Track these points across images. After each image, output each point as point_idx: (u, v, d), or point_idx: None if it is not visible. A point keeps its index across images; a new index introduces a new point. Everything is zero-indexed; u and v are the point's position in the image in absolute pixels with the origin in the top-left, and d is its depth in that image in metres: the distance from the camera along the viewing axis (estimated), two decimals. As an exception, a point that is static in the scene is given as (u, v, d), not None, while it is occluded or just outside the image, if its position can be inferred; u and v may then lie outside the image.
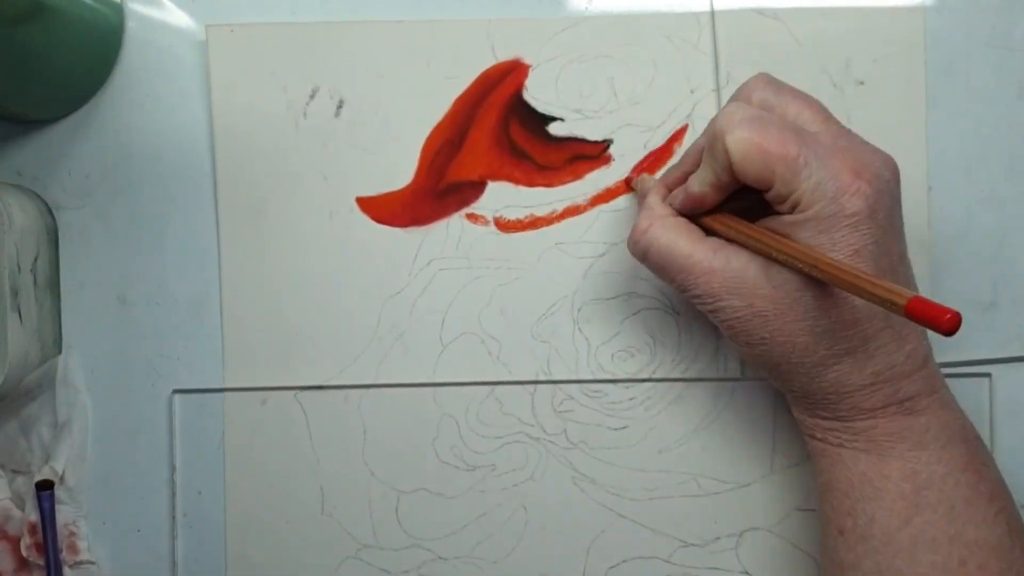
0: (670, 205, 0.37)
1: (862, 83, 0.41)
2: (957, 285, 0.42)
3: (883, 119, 0.42)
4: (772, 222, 0.34)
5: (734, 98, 0.36)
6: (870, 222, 0.32)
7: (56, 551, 0.42)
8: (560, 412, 0.43)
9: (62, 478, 0.43)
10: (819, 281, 0.33)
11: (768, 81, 0.36)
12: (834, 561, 0.36)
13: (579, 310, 0.42)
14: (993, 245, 0.42)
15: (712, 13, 0.42)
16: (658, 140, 0.42)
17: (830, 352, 0.34)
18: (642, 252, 0.37)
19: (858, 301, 0.33)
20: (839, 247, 0.32)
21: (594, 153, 0.42)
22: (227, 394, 0.43)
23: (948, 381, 0.42)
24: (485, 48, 0.42)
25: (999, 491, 0.35)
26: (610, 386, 0.42)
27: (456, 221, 0.42)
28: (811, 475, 0.42)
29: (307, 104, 0.43)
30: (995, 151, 0.42)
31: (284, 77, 0.42)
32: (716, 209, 0.36)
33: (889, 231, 0.34)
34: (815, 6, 0.42)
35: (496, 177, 0.42)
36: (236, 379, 0.43)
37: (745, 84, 0.36)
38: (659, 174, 0.41)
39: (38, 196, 0.43)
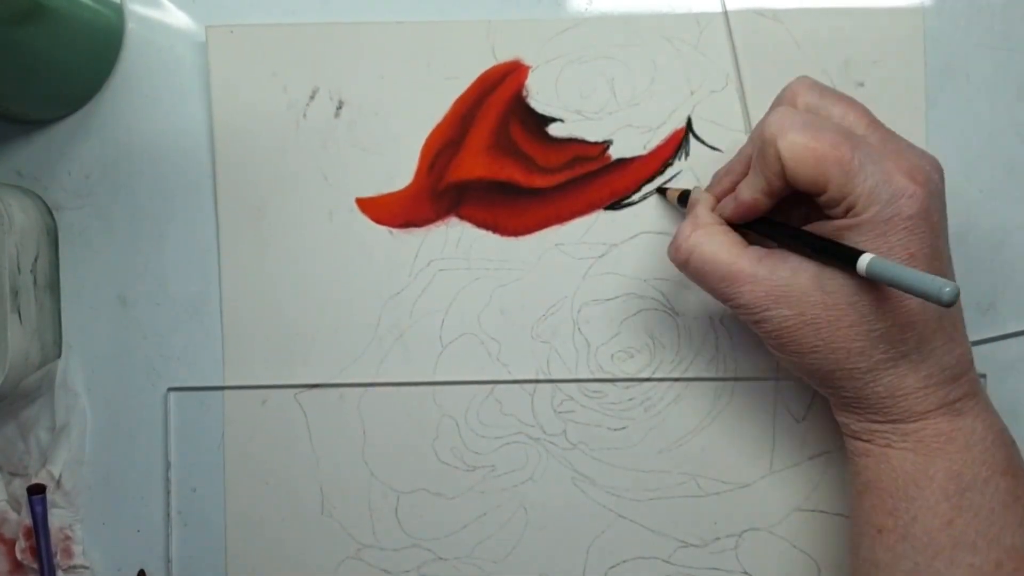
0: (719, 215, 0.37)
1: (862, 84, 0.41)
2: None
3: (883, 120, 0.41)
4: (824, 227, 0.34)
5: (778, 103, 0.36)
6: (925, 225, 0.32)
7: (50, 555, 0.42)
8: (560, 412, 0.43)
9: (59, 482, 0.42)
10: (873, 284, 0.33)
11: (812, 85, 0.35)
12: (868, 560, 0.35)
13: (579, 311, 0.42)
14: (992, 247, 0.42)
15: (725, 13, 0.42)
16: (658, 141, 0.42)
17: (886, 356, 0.33)
18: (684, 259, 0.36)
19: (913, 303, 0.33)
20: (895, 251, 0.32)
21: (594, 154, 0.42)
22: (227, 394, 0.43)
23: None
24: (485, 49, 0.42)
25: None
26: (610, 386, 0.43)
27: (456, 222, 0.42)
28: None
29: (307, 105, 0.43)
30: (994, 152, 0.42)
31: (284, 78, 0.42)
32: (766, 216, 0.36)
33: (941, 234, 0.34)
34: (814, 7, 0.42)
35: (496, 178, 0.42)
36: (236, 379, 0.43)
37: (787, 88, 0.36)
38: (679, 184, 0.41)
39: (38, 196, 0.43)
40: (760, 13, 0.42)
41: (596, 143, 0.42)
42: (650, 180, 0.42)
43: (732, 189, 0.37)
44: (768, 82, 0.42)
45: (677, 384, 0.42)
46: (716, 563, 0.42)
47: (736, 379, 0.42)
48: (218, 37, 0.42)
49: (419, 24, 0.42)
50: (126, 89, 0.43)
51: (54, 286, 0.43)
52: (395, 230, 0.43)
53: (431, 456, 0.43)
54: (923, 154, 0.34)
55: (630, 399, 0.42)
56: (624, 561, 0.43)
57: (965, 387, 0.35)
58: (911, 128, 0.42)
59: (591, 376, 0.42)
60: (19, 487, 0.43)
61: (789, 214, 0.37)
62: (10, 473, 0.43)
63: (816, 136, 0.32)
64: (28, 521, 0.42)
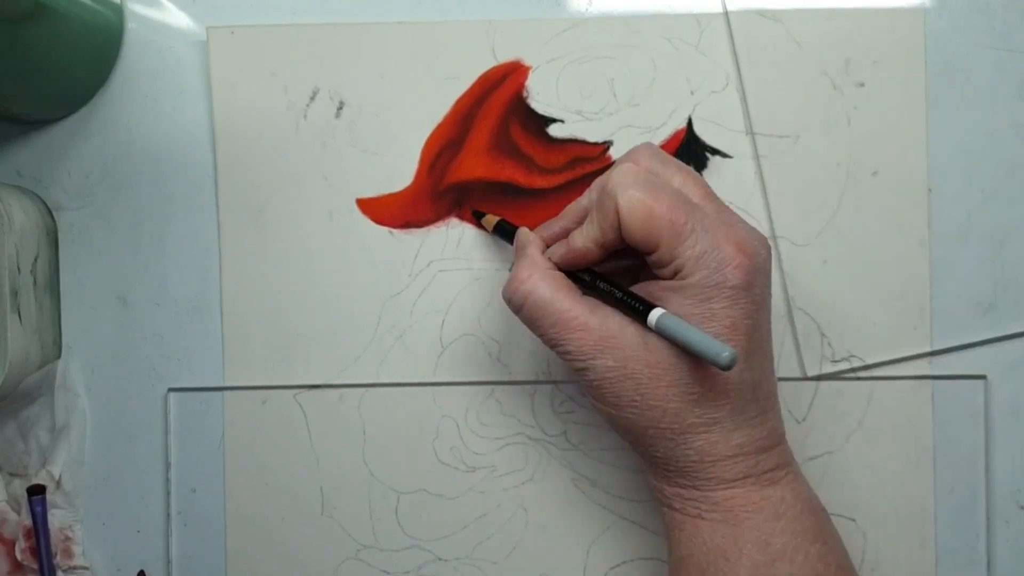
0: (549, 259, 0.37)
1: (862, 84, 0.41)
2: (956, 286, 0.42)
3: (883, 120, 0.42)
4: (651, 286, 0.35)
5: (623, 160, 0.37)
6: (747, 296, 0.33)
7: (49, 555, 0.42)
8: (560, 413, 0.43)
9: (59, 482, 0.42)
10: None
11: (655, 152, 0.36)
12: None
13: (579, 311, 0.42)
14: (993, 246, 0.42)
15: (726, 13, 0.42)
16: (658, 141, 0.42)
17: (700, 420, 0.34)
18: (519, 302, 0.36)
19: (733, 372, 0.33)
20: (718, 318, 0.33)
21: (594, 155, 0.42)
22: (227, 394, 0.43)
23: (943, 384, 0.42)
24: (485, 49, 0.42)
25: (845, 565, 0.36)
26: (610, 387, 0.42)
27: (456, 222, 0.42)
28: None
29: (307, 105, 0.43)
30: (995, 152, 0.42)
31: (284, 78, 0.42)
32: (593, 269, 0.37)
33: (762, 307, 0.34)
34: (815, 7, 0.42)
35: (496, 178, 0.42)
36: (236, 379, 0.43)
37: (632, 150, 0.37)
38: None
39: (38, 197, 0.43)
40: (761, 13, 0.42)
41: (596, 144, 0.42)
42: (650, 181, 0.42)
43: (562, 235, 0.37)
44: (769, 83, 0.42)
45: (677, 385, 0.42)
46: (716, 564, 0.42)
47: (736, 380, 0.42)
48: (218, 37, 0.42)
49: (419, 24, 0.42)
50: (126, 89, 0.43)
51: (54, 286, 0.43)
52: (395, 230, 0.43)
53: (431, 457, 0.43)
54: (752, 230, 0.35)
55: (630, 400, 0.42)
56: (624, 562, 0.43)
57: (776, 458, 0.35)
58: (911, 129, 0.42)
59: (591, 377, 0.42)
60: (19, 487, 0.43)
61: (621, 266, 0.37)
62: (10, 473, 0.43)
63: (654, 195, 0.33)
64: (28, 521, 0.42)
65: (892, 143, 0.42)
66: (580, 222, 0.37)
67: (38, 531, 0.42)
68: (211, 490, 0.43)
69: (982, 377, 0.42)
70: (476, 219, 0.42)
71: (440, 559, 0.43)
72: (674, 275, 0.34)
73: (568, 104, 0.42)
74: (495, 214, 0.42)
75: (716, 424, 0.34)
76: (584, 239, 0.35)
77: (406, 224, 0.43)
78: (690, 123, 0.42)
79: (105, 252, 0.43)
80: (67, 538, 0.43)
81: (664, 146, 0.42)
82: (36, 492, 0.42)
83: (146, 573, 0.44)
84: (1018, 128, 0.42)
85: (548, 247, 0.38)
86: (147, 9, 0.43)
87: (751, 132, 0.42)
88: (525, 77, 0.42)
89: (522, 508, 0.43)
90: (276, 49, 0.42)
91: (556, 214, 0.42)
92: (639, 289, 0.35)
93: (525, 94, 0.42)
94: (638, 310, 0.34)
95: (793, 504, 0.35)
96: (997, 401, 0.42)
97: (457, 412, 0.43)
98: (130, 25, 0.43)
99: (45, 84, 0.41)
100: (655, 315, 0.33)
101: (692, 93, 0.42)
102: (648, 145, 0.37)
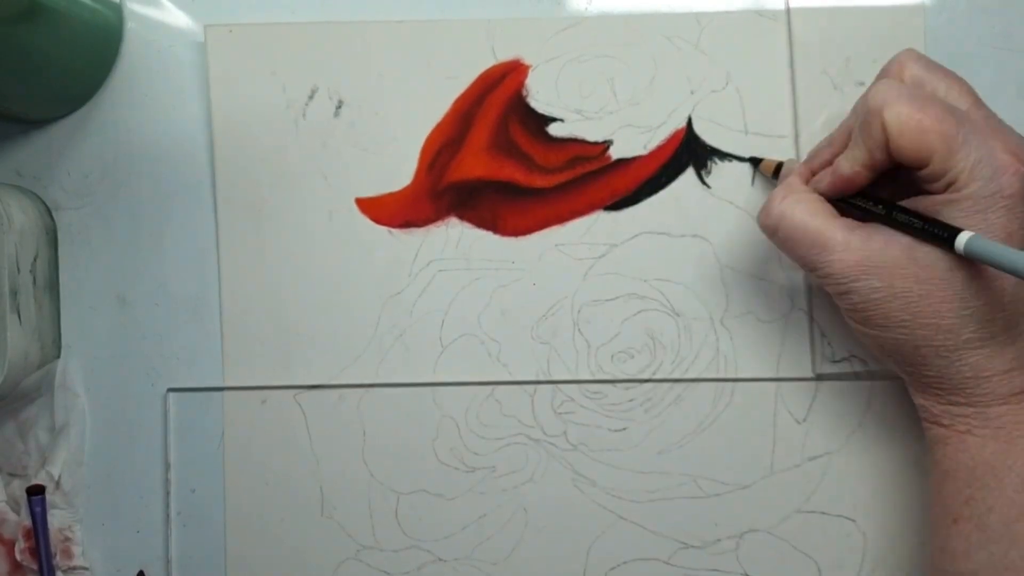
0: (814, 188, 0.36)
1: (862, 83, 0.41)
2: (958, 286, 0.42)
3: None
4: (923, 201, 0.34)
5: (883, 74, 0.36)
6: (1023, 204, 0.32)
7: (49, 556, 0.42)
8: (560, 413, 0.43)
9: (58, 482, 0.42)
10: (968, 261, 0.32)
11: (918, 57, 0.35)
12: (943, 548, 0.35)
13: (579, 311, 0.42)
14: (994, 246, 0.42)
15: (788, 10, 0.42)
16: (658, 140, 0.42)
17: (975, 335, 0.33)
18: (774, 225, 0.35)
19: (1007, 283, 0.33)
20: (993, 228, 0.32)
21: (594, 154, 0.42)
22: (226, 394, 0.43)
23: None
24: (485, 48, 0.42)
25: None
26: (610, 387, 0.42)
27: (456, 222, 0.42)
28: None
29: (306, 104, 0.42)
30: (996, 152, 0.42)
31: (283, 77, 0.42)
32: (863, 191, 0.35)
33: None
34: (816, 6, 0.42)
35: (496, 178, 0.42)
36: (235, 379, 0.43)
37: (894, 60, 0.36)
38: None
39: (37, 196, 0.43)
40: (760, 12, 0.42)
41: (596, 143, 0.42)
42: (650, 180, 0.42)
43: (830, 162, 0.36)
44: (769, 82, 0.42)
45: (677, 385, 0.42)
46: (716, 564, 0.42)
47: (737, 380, 0.42)
48: (217, 36, 0.42)
49: (419, 23, 0.42)
50: (125, 89, 0.43)
51: (53, 286, 0.43)
52: (395, 230, 0.42)
53: (431, 457, 0.43)
54: (1022, 136, 0.34)
55: (630, 400, 0.42)
56: (624, 563, 0.43)
57: None
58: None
59: (591, 377, 0.42)
60: (18, 488, 0.43)
61: (880, 192, 0.36)
62: (9, 474, 0.43)
63: (922, 108, 0.32)
64: (27, 522, 0.42)
65: (893, 142, 0.41)
66: (846, 143, 0.35)
67: (37, 531, 0.42)
68: (211, 490, 0.43)
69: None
70: (753, 165, 0.41)
71: (440, 559, 0.43)
72: (947, 188, 0.33)
73: (568, 103, 0.42)
74: (498, 212, 0.42)
75: (992, 338, 0.33)
76: (851, 163, 0.34)
77: (406, 223, 0.42)
78: (690, 122, 0.42)
79: (104, 252, 0.43)
80: (67, 538, 0.43)
81: (664, 145, 0.42)
82: (35, 492, 0.42)
83: (145, 573, 0.43)
84: (1018, 127, 0.41)
85: (814, 175, 0.37)
86: (146, 8, 0.43)
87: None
88: (525, 76, 0.42)
89: (522, 508, 0.43)
90: (275, 48, 0.42)
91: (556, 213, 0.42)
92: (910, 205, 0.34)
93: (525, 93, 0.42)
94: (942, 237, 0.32)
95: None
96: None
97: (457, 412, 0.43)
98: (129, 24, 0.43)
99: (44, 84, 0.41)
100: (964, 238, 0.31)
101: (692, 92, 0.42)
102: (909, 52, 0.35)
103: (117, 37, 0.43)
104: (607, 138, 0.42)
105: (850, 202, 0.36)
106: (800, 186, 0.36)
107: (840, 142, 0.36)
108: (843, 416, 0.42)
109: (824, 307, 0.42)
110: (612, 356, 0.42)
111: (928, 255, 0.33)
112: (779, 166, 0.40)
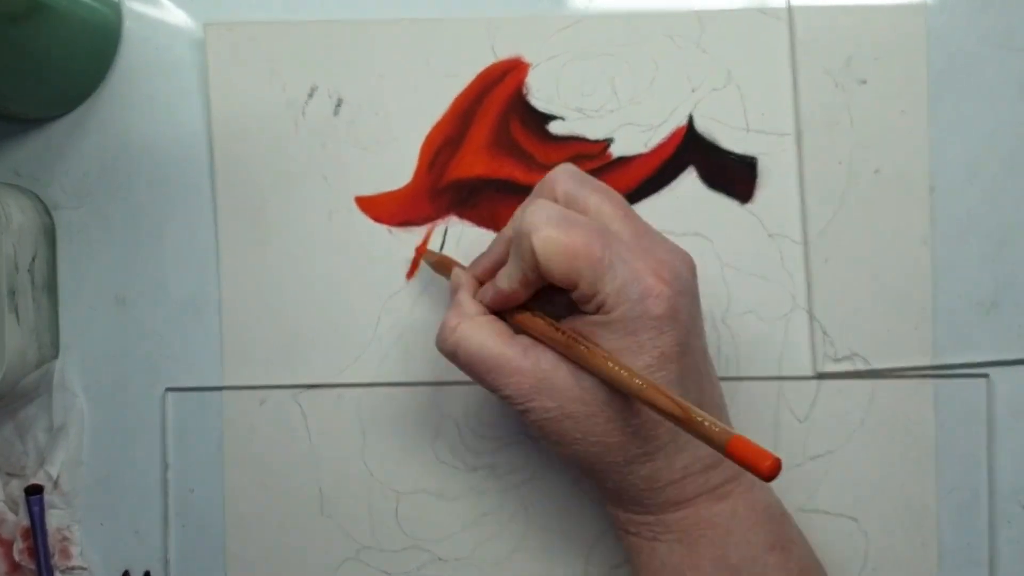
0: (480, 301, 0.37)
1: (864, 82, 0.41)
2: (958, 285, 0.42)
3: (885, 118, 0.41)
4: (579, 321, 0.34)
5: (538, 193, 0.36)
6: (673, 323, 0.33)
7: (47, 556, 0.42)
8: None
9: (56, 482, 0.42)
10: None
11: (572, 174, 0.36)
12: None
13: (579, 310, 0.42)
14: (995, 245, 0.42)
15: (790, 8, 0.41)
16: (659, 139, 0.42)
17: (642, 450, 0.34)
18: (451, 351, 0.36)
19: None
20: (645, 349, 0.33)
21: (595, 152, 0.42)
22: (225, 394, 0.43)
23: (946, 383, 0.41)
24: (485, 46, 0.42)
25: (810, 566, 0.36)
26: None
27: (456, 220, 0.42)
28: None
29: (306, 103, 0.42)
30: (997, 150, 0.42)
31: (283, 76, 0.42)
32: (527, 304, 0.36)
33: (692, 330, 0.34)
34: (817, 5, 0.41)
35: (496, 176, 0.42)
36: (235, 379, 0.43)
37: (548, 176, 0.36)
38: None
39: (36, 196, 0.43)
40: (762, 11, 0.42)
41: (597, 141, 0.42)
42: (651, 178, 0.42)
43: (492, 271, 0.37)
44: (769, 81, 0.42)
45: (678, 384, 0.42)
46: (718, 564, 0.42)
47: (738, 379, 0.42)
48: (216, 35, 0.42)
49: (418, 21, 0.42)
50: (124, 87, 0.43)
51: (52, 286, 0.43)
52: (395, 229, 0.42)
53: (431, 456, 0.43)
54: (674, 250, 0.35)
55: (631, 399, 0.42)
56: (625, 562, 0.42)
57: (726, 472, 0.35)
58: (913, 127, 0.41)
59: (592, 376, 0.42)
60: (16, 488, 0.43)
61: (553, 300, 0.36)
62: (7, 473, 0.43)
63: (568, 232, 0.33)
64: (26, 522, 0.42)
65: (894, 141, 0.41)
66: (507, 252, 0.36)
67: (36, 531, 0.42)
68: (210, 490, 0.43)
69: (984, 376, 0.42)
70: (427, 261, 0.42)
71: (440, 559, 0.43)
72: (598, 310, 0.33)
73: (568, 101, 0.42)
74: (498, 210, 0.41)
75: (659, 451, 0.34)
76: (509, 281, 0.35)
77: (406, 222, 0.42)
78: (691, 120, 0.42)
79: (103, 251, 0.43)
80: (65, 538, 0.43)
81: (665, 144, 0.42)
82: (34, 492, 0.42)
83: (135, 573, 0.43)
84: (1020, 125, 0.42)
85: (482, 284, 0.38)
86: (145, 7, 0.43)
87: (752, 129, 0.42)
88: (525, 74, 0.42)
89: (523, 508, 0.43)
90: (274, 46, 0.42)
91: (556, 212, 0.42)
92: (570, 323, 0.35)
93: (525, 91, 0.42)
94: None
95: (747, 515, 0.35)
96: (1000, 400, 0.42)
97: (457, 412, 0.43)
98: (128, 23, 0.43)
99: (43, 82, 0.41)
100: None
101: (693, 91, 0.42)
102: (564, 168, 0.36)
103: (116, 35, 0.43)
104: (608, 136, 0.42)
105: (513, 320, 0.36)
106: (471, 307, 0.36)
107: (497, 252, 0.37)
108: (845, 415, 0.42)
109: (826, 306, 0.41)
110: (613, 355, 0.42)
111: (588, 379, 0.34)
112: (442, 261, 0.40)
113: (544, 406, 0.34)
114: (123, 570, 0.43)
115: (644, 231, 0.35)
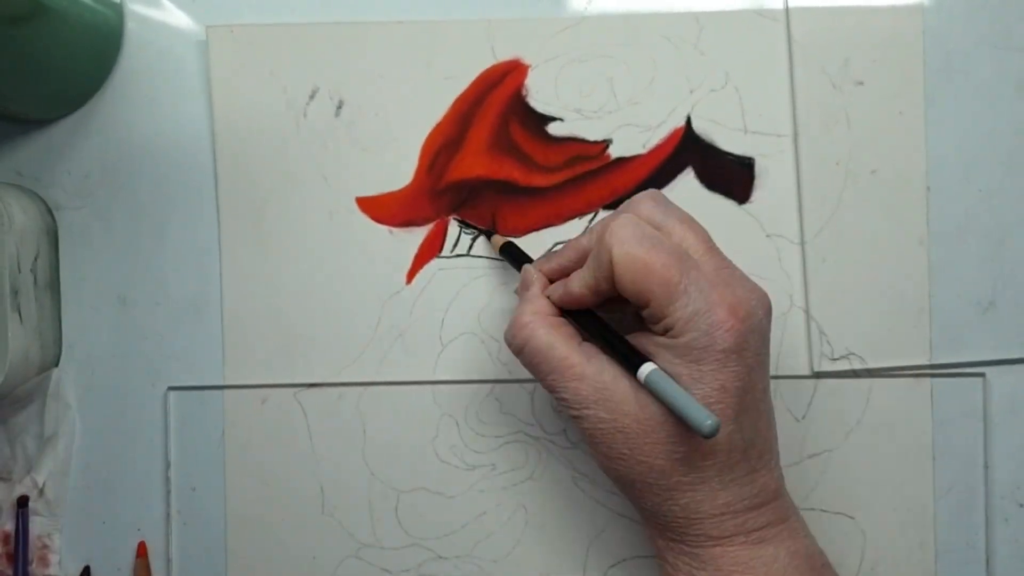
0: (548, 297, 0.37)
1: (861, 83, 0.42)
2: (955, 285, 0.42)
3: (882, 119, 0.42)
4: (645, 338, 0.35)
5: (623, 210, 0.36)
6: (738, 360, 0.33)
7: (26, 563, 0.42)
8: (560, 411, 0.43)
9: (42, 490, 0.42)
10: None
11: (658, 201, 0.36)
12: None
13: (579, 309, 0.42)
14: (992, 245, 0.42)
15: (787, 10, 0.42)
16: (657, 139, 0.42)
17: (686, 479, 0.34)
18: (519, 346, 0.36)
19: (723, 432, 0.33)
20: (706, 379, 0.33)
21: (594, 153, 0.42)
22: (227, 393, 0.43)
23: (943, 382, 0.42)
24: (485, 48, 0.42)
25: None
26: (610, 385, 0.42)
27: (456, 221, 0.42)
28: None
29: (307, 104, 0.43)
30: (994, 150, 0.42)
31: (284, 77, 0.43)
32: (595, 310, 0.36)
33: (756, 369, 0.34)
34: (814, 6, 0.42)
35: (495, 177, 0.42)
36: (236, 378, 0.43)
37: (635, 198, 0.36)
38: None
39: (38, 196, 0.43)
40: (760, 12, 0.42)
41: (596, 142, 0.42)
42: (650, 179, 0.42)
43: (560, 272, 0.37)
44: (767, 82, 0.42)
45: (677, 383, 0.42)
46: (716, 562, 0.42)
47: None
48: (218, 37, 0.42)
49: (419, 23, 0.42)
50: (126, 89, 0.43)
51: (54, 286, 0.43)
52: (395, 229, 0.43)
53: (431, 455, 0.43)
54: (752, 288, 0.34)
55: (630, 398, 0.42)
56: (624, 560, 0.43)
57: (768, 515, 0.35)
58: (910, 127, 0.42)
59: (591, 375, 0.42)
60: (2, 491, 0.43)
61: (624, 311, 0.37)
62: (-6, 477, 0.43)
63: (650, 251, 0.33)
64: (7, 527, 0.42)
65: (891, 141, 0.42)
66: (578, 260, 0.36)
67: (19, 540, 0.42)
68: (211, 489, 0.43)
69: (981, 375, 0.42)
70: (486, 236, 0.42)
71: (440, 557, 0.43)
72: (665, 332, 0.34)
73: (567, 102, 0.42)
74: (497, 211, 0.42)
75: (703, 483, 0.34)
76: (580, 285, 0.35)
77: (406, 223, 0.43)
78: (689, 121, 0.42)
79: (105, 251, 0.43)
80: (44, 546, 0.43)
81: (663, 145, 0.42)
82: (24, 504, 0.42)
83: (91, 569, 0.43)
84: (1017, 126, 0.42)
85: (551, 282, 0.38)
86: (147, 8, 0.43)
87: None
88: (524, 76, 0.42)
89: (522, 506, 0.43)
90: (275, 48, 0.42)
91: (555, 213, 0.42)
92: (634, 339, 0.35)
93: (524, 93, 0.42)
94: (631, 362, 0.34)
95: (788, 562, 0.34)
96: (996, 398, 0.42)
97: (457, 411, 0.43)
98: (130, 24, 0.43)
99: (45, 84, 0.41)
100: (645, 370, 0.33)
101: (691, 92, 0.42)
102: (652, 193, 0.36)
103: (118, 37, 0.43)
104: (606, 137, 0.42)
105: (572, 316, 0.37)
106: (543, 306, 0.37)
107: (570, 257, 0.37)
108: (842, 414, 0.42)
109: (823, 305, 0.42)
110: (612, 354, 0.42)
111: (646, 398, 0.34)
112: (506, 246, 0.41)
113: (599, 416, 0.34)
114: (119, 568, 0.43)
115: (725, 265, 0.35)
